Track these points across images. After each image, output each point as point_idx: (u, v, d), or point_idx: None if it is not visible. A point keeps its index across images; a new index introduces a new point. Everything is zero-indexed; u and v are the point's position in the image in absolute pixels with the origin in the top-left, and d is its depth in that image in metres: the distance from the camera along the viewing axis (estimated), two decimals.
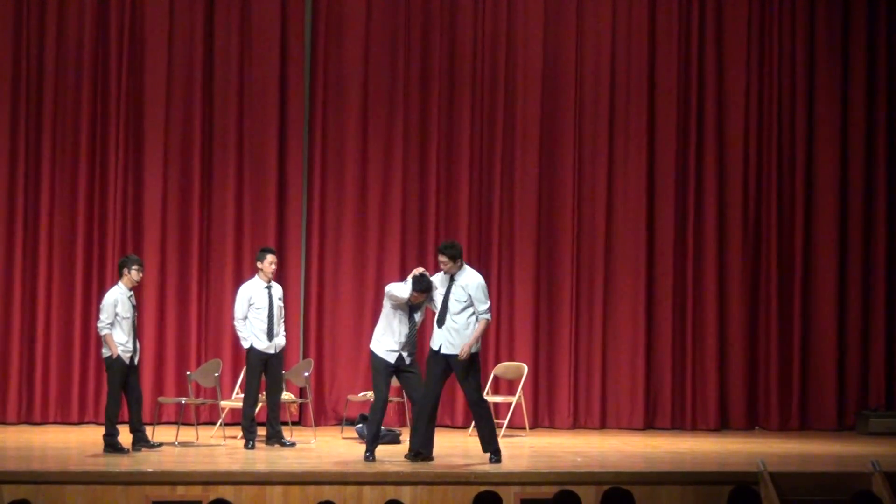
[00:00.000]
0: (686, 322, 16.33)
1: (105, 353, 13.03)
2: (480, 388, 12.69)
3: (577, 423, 16.14)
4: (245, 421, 13.71)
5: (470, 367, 12.28)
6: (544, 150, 16.30)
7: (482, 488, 8.46)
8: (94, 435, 13.92)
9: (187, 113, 15.95)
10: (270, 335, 13.58)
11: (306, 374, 14.68)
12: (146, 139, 15.90)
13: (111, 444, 12.91)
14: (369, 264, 16.12)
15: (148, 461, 12.37)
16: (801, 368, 16.40)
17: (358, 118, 16.16)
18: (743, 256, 16.45)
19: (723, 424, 16.24)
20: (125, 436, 13.09)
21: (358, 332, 15.89)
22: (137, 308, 13.37)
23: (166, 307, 15.88)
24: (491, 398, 14.80)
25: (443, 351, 12.28)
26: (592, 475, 11.65)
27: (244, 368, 14.23)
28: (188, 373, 14.59)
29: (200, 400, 14.58)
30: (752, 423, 16.39)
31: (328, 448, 13.77)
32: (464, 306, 12.27)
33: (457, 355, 12.21)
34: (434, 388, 12.33)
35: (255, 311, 13.56)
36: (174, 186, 15.94)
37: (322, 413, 15.95)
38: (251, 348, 13.56)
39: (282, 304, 13.80)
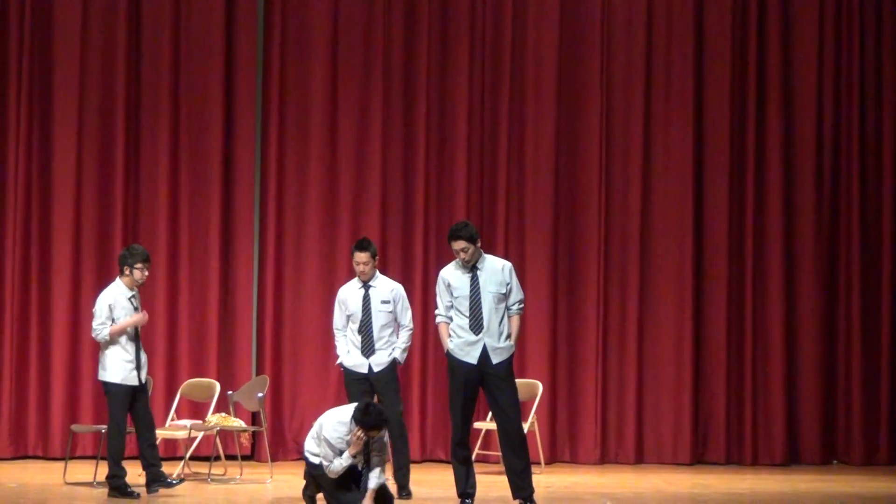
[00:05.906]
0: (745, 334, 15.32)
1: (101, 375, 11.87)
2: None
3: (605, 457, 15.21)
4: None
5: (512, 374, 11.14)
6: (563, 118, 15.17)
7: None
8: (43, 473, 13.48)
9: (107, 70, 14.62)
10: (367, 349, 11.71)
11: (260, 395, 13.45)
12: (55, 113, 14.61)
13: (117, 487, 11.84)
14: (339, 266, 14.81)
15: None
16: (890, 389, 15.48)
17: (325, 70, 14.94)
18: (816, 256, 15.47)
19: (791, 458, 15.38)
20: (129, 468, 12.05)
21: (325, 343, 14.39)
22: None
23: (81, 315, 14.49)
24: (488, 425, 13.63)
25: (493, 361, 10.93)
26: None
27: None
28: None
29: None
30: (829, 456, 15.50)
31: (288, 488, 12.62)
32: (499, 301, 11.01)
33: (500, 363, 10.89)
34: (472, 414, 11.16)
35: (350, 318, 11.92)
36: (90, 168, 14.67)
37: (281, 444, 14.87)
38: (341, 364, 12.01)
39: (391, 310, 11.85)
